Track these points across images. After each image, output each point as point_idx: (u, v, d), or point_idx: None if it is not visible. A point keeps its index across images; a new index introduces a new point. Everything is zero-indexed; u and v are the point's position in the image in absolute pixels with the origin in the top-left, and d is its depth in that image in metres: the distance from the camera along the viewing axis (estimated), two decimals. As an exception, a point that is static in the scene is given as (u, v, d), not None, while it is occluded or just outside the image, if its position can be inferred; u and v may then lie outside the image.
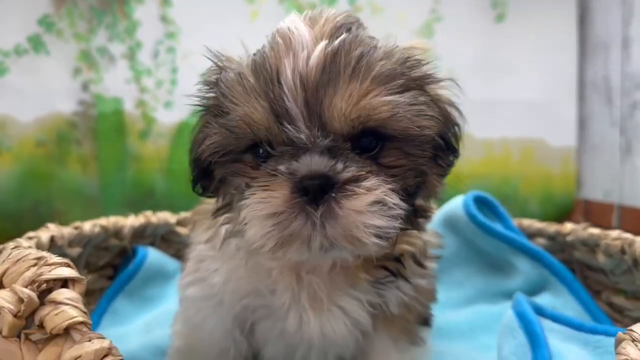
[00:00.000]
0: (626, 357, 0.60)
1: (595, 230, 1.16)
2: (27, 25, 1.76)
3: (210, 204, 0.85)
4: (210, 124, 0.72)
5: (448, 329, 1.14)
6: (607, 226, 1.80)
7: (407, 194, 0.69)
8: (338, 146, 0.65)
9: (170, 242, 1.43)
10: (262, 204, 0.64)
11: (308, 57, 0.64)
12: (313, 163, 0.63)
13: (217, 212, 0.80)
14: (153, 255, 1.34)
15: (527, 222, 1.35)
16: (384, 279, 0.79)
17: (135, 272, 1.29)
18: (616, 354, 0.62)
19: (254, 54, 0.71)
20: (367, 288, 0.79)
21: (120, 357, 0.58)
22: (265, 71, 0.66)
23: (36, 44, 1.77)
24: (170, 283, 1.32)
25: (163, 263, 1.36)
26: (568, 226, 1.25)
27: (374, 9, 1.92)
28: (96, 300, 1.24)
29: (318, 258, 0.69)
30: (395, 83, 0.66)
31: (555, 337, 0.91)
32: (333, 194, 0.62)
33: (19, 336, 0.61)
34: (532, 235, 1.32)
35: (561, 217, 2.02)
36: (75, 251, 1.12)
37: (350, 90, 0.63)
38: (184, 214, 1.42)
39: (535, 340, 0.83)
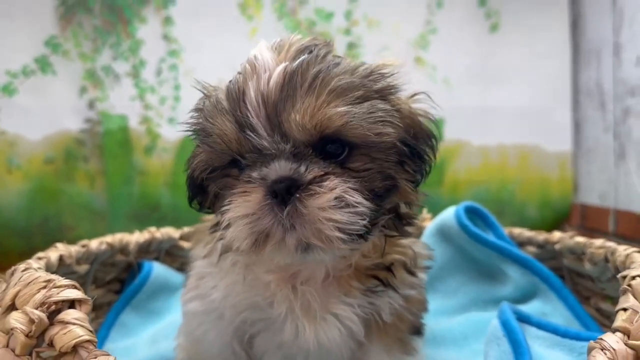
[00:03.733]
0: (595, 364, 0.65)
1: (581, 239, 1.20)
2: (34, 47, 1.82)
3: (209, 221, 0.91)
4: (198, 145, 0.81)
5: (441, 336, 1.18)
6: (603, 230, 1.84)
7: (376, 196, 0.75)
8: (301, 152, 0.72)
9: (175, 256, 1.48)
10: (238, 207, 0.72)
11: (269, 78, 0.72)
12: (280, 168, 0.71)
13: (214, 227, 0.85)
14: (158, 270, 1.39)
15: (517, 230, 1.39)
16: (375, 287, 0.83)
17: (141, 286, 1.34)
18: (587, 361, 0.66)
19: (230, 81, 0.79)
20: (359, 297, 0.83)
21: (124, 373, 0.63)
22: (234, 93, 0.74)
23: (43, 64, 1.83)
24: (175, 296, 1.36)
25: (168, 277, 1.41)
26: (556, 235, 1.29)
27: (369, 22, 1.96)
28: (104, 314, 1.29)
29: (299, 259, 0.75)
30: (353, 95, 0.73)
31: (541, 344, 0.95)
32: (298, 195, 0.69)
33: (30, 354, 0.66)
34: (522, 243, 1.36)
35: (559, 221, 2.05)
36: (83, 268, 1.17)
37: (306, 104, 0.70)
38: (187, 229, 1.48)
39: (518, 348, 0.87)
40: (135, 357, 1.12)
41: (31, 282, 0.73)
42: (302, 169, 0.70)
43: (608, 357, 0.66)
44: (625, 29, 1.73)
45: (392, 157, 0.77)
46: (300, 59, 0.73)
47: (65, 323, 0.67)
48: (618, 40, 1.77)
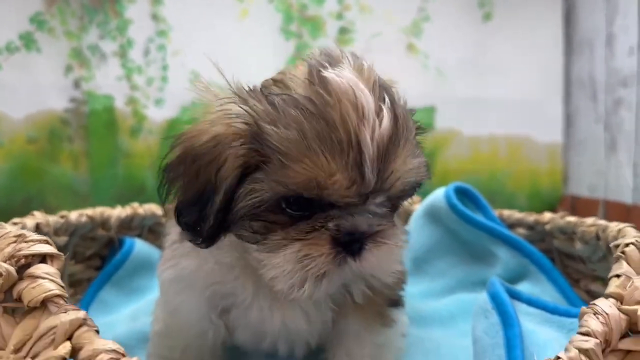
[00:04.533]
0: (587, 328, 0.63)
1: (572, 218, 1.19)
2: (19, 23, 1.77)
3: None
4: (255, 181, 0.68)
5: (429, 316, 1.16)
6: (592, 221, 1.83)
7: None
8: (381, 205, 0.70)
9: (158, 233, 1.44)
10: (307, 259, 0.67)
11: (379, 125, 0.64)
12: (359, 222, 0.68)
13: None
14: (140, 247, 1.36)
15: (507, 212, 1.38)
16: None
17: (122, 262, 1.31)
18: (579, 326, 0.64)
19: (300, 106, 0.66)
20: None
21: (95, 328, 0.60)
22: (341, 136, 0.63)
23: (28, 41, 1.78)
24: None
25: (150, 254, 1.37)
26: (547, 215, 1.28)
27: (362, 8, 1.94)
28: (83, 291, 1.26)
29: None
30: (415, 141, 0.72)
31: (531, 321, 0.92)
32: (367, 246, 0.69)
33: (-3, 309, 0.63)
34: (512, 225, 1.35)
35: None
36: (62, 240, 1.14)
37: (406, 156, 0.67)
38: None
39: (507, 320, 0.85)
40: (114, 333, 1.09)
41: (1, 237, 0.70)
42: (376, 222, 0.69)
43: (601, 322, 0.63)
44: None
45: (412, 193, 0.77)
46: (388, 98, 0.66)
47: (35, 277, 0.63)
48: (611, 30, 1.76)
